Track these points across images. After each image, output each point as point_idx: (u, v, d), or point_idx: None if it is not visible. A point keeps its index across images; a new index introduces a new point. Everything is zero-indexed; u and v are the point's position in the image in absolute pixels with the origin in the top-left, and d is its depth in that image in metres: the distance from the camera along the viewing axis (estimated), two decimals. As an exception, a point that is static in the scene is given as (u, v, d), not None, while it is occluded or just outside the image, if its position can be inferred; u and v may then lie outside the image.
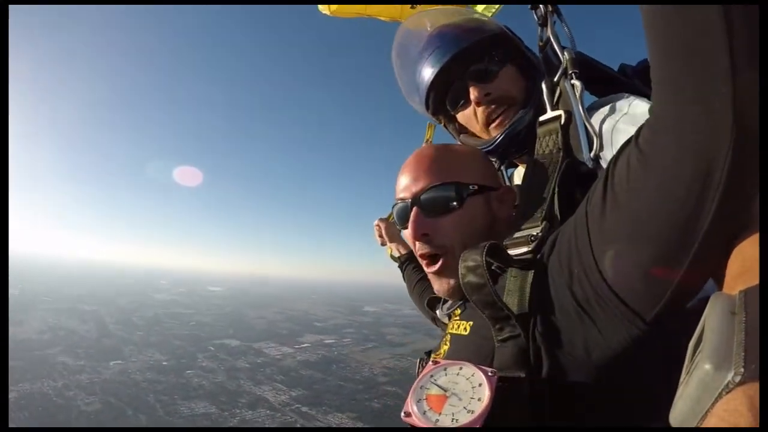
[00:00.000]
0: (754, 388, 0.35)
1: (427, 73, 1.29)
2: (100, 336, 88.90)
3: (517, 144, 1.23)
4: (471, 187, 1.04)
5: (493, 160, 1.33)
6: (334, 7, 2.23)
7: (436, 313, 1.26)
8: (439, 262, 1.04)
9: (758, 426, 0.33)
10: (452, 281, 1.03)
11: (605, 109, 1.07)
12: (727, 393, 0.36)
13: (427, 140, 1.92)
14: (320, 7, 2.26)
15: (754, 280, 0.45)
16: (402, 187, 1.09)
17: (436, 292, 1.11)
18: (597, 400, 0.73)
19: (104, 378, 65.56)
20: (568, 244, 0.76)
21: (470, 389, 0.71)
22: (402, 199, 1.08)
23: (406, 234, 1.10)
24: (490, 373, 0.72)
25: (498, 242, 0.90)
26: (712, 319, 0.42)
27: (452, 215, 1.03)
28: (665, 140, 0.58)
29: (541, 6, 1.30)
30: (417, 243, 1.06)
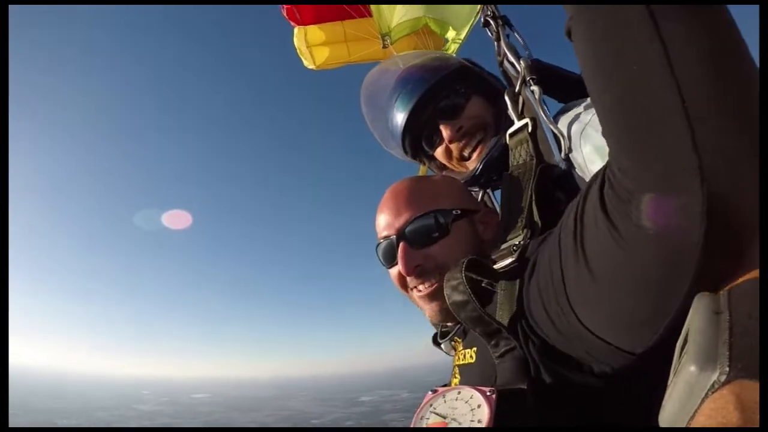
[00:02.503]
0: (739, 386, 0.34)
1: (399, 118, 1.30)
2: (87, 454, 79.12)
3: (496, 169, 1.20)
4: (454, 212, 1.02)
5: (474, 190, 1.36)
6: (319, 61, 2.42)
7: (442, 349, 1.19)
8: (434, 286, 1.00)
9: (747, 423, 0.32)
10: (441, 303, 0.98)
11: (571, 114, 1.07)
12: (713, 392, 0.36)
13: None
14: (306, 62, 2.44)
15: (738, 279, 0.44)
16: (383, 225, 1.06)
17: (428, 318, 1.07)
18: (605, 404, 0.70)
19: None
20: (544, 276, 0.72)
21: (469, 412, 0.68)
22: (385, 237, 1.05)
23: (394, 272, 1.06)
24: (488, 393, 0.69)
25: (477, 257, 0.88)
26: (696, 320, 0.42)
27: (440, 243, 1.01)
28: (631, 208, 0.52)
29: (492, 22, 1.30)
30: (409, 278, 1.02)
